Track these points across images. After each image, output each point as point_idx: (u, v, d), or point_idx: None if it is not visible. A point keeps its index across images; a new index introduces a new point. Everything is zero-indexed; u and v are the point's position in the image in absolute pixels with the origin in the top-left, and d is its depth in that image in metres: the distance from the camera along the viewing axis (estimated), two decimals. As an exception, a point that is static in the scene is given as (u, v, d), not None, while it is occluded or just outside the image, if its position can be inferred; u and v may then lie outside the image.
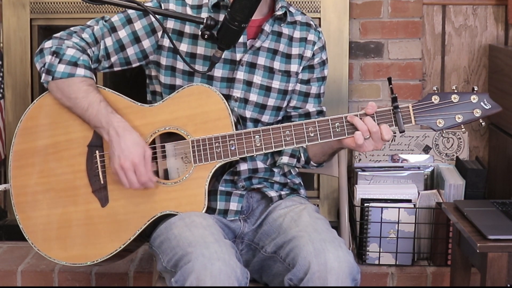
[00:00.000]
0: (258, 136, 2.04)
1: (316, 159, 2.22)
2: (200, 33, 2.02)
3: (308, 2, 3.06)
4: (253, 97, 2.16)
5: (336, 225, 2.32)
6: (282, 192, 2.21)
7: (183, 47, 2.14)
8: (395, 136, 1.98)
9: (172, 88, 2.15)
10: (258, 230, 2.15)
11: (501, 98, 2.97)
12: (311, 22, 2.25)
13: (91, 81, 2.10)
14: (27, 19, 3.09)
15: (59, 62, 2.08)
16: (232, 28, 1.96)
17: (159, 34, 2.13)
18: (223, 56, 2.09)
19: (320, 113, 2.26)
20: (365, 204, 2.82)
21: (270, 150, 2.05)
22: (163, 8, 2.12)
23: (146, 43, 2.14)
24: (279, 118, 2.24)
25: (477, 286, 2.49)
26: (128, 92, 2.17)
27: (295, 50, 2.21)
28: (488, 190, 3.02)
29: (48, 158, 2.13)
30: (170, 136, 2.10)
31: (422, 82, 3.24)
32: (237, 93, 2.15)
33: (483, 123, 2.03)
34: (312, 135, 2.03)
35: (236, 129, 2.07)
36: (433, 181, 3.03)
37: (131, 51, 2.15)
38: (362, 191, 2.87)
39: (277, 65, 2.18)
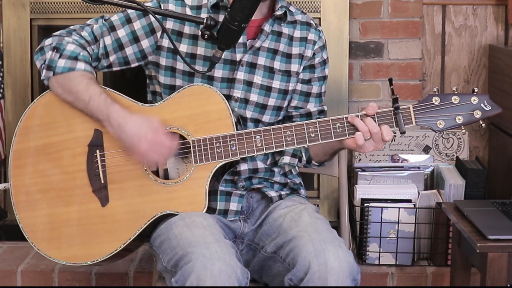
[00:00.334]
0: (259, 137, 2.04)
1: (317, 159, 2.22)
2: (200, 33, 2.02)
3: (308, 2, 3.06)
4: (254, 97, 2.16)
5: (336, 225, 2.32)
6: (282, 192, 2.21)
7: (183, 47, 2.14)
8: (395, 136, 1.98)
9: (172, 88, 2.15)
10: (258, 230, 2.15)
11: (501, 98, 2.97)
12: (311, 21, 2.25)
13: (91, 75, 2.10)
14: (27, 19, 3.09)
15: (59, 57, 2.08)
16: (232, 28, 1.96)
17: (158, 34, 2.13)
18: (223, 57, 2.09)
19: (321, 112, 2.25)
20: (365, 204, 2.82)
21: (271, 150, 2.05)
22: (162, 8, 2.12)
23: (145, 43, 2.14)
24: (280, 118, 2.24)
25: (477, 286, 2.49)
26: (128, 92, 2.17)
27: (295, 50, 2.21)
28: (488, 190, 3.02)
29: (48, 157, 2.13)
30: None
31: (422, 82, 3.24)
32: (238, 93, 2.15)
33: (483, 125, 2.03)
34: (313, 135, 2.03)
35: (237, 129, 2.07)
36: (433, 181, 3.03)
37: (129, 50, 2.15)
38: (362, 191, 2.87)
39: (277, 65, 2.18)
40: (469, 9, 3.23)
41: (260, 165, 2.18)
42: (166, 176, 2.11)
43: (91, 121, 2.10)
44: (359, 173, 2.96)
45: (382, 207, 2.79)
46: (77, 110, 2.10)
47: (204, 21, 1.98)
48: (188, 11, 2.14)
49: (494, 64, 3.15)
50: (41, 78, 2.12)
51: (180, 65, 2.14)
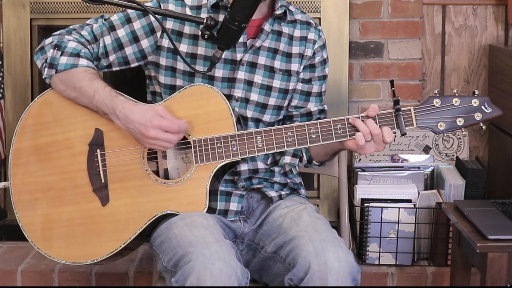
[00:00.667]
0: (260, 137, 2.04)
1: (318, 159, 2.22)
2: (200, 33, 2.02)
3: (308, 2, 3.06)
4: (254, 96, 2.16)
5: (336, 225, 2.32)
6: (282, 192, 2.21)
7: (183, 47, 2.13)
8: (395, 136, 1.99)
9: (172, 88, 2.15)
10: (258, 230, 2.15)
11: (501, 98, 2.97)
12: (311, 21, 2.25)
13: (93, 71, 2.10)
14: (27, 19, 3.09)
15: (61, 55, 2.08)
16: (232, 28, 1.96)
17: (158, 34, 2.13)
18: (223, 56, 2.09)
19: (321, 112, 2.26)
20: (365, 204, 2.82)
21: (272, 151, 2.05)
22: (162, 8, 2.12)
23: (145, 43, 2.14)
24: (280, 117, 2.24)
25: (477, 286, 2.49)
26: (128, 92, 2.17)
27: (295, 49, 2.21)
28: (488, 190, 3.02)
29: (48, 156, 2.13)
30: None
31: (422, 82, 3.24)
32: (238, 93, 2.15)
33: (483, 127, 2.04)
34: (314, 136, 2.03)
35: (237, 129, 2.07)
36: (433, 181, 3.03)
37: (129, 50, 2.15)
38: (362, 191, 2.87)
39: (277, 64, 2.18)
40: (469, 9, 3.23)
41: (260, 165, 2.18)
42: (167, 176, 2.11)
43: (92, 120, 2.10)
44: (359, 173, 2.96)
45: (382, 207, 2.79)
46: (79, 108, 2.11)
47: (204, 21, 1.98)
48: (188, 11, 2.14)
49: (494, 64, 3.15)
50: (43, 77, 2.12)
51: (180, 65, 2.14)
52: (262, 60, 2.17)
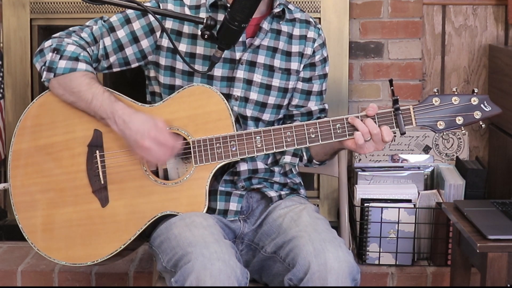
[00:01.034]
0: (259, 137, 2.04)
1: (318, 158, 2.22)
2: (199, 33, 2.02)
3: (308, 2, 3.06)
4: (253, 95, 2.16)
5: (336, 225, 2.32)
6: (282, 192, 2.21)
7: (182, 47, 2.13)
8: (395, 136, 1.99)
9: (171, 88, 2.15)
10: (258, 230, 2.15)
11: (501, 98, 2.97)
12: (311, 19, 2.25)
13: (92, 75, 2.10)
14: (27, 19, 3.09)
15: (60, 58, 2.08)
16: (232, 28, 1.96)
17: (158, 34, 2.13)
18: (222, 55, 2.09)
19: (322, 111, 2.25)
20: (365, 204, 2.82)
21: (271, 151, 2.04)
22: (161, 8, 2.12)
23: (145, 43, 2.14)
24: (280, 116, 2.24)
25: (477, 286, 2.49)
26: (128, 92, 2.17)
27: (295, 48, 2.21)
28: (488, 190, 3.02)
29: (47, 157, 2.13)
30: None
31: (422, 82, 3.24)
32: (237, 92, 2.15)
33: (483, 125, 2.03)
34: (313, 136, 2.03)
35: (236, 128, 2.06)
36: (433, 181, 3.03)
37: (129, 51, 2.15)
38: (362, 191, 2.87)
39: (277, 63, 2.18)
40: (469, 9, 3.23)
41: (260, 165, 2.18)
42: (166, 177, 2.11)
43: (91, 121, 2.10)
44: (359, 173, 2.96)
45: (382, 207, 2.79)
46: (77, 110, 2.10)
47: (204, 21, 1.98)
48: (187, 11, 2.14)
49: (494, 64, 3.15)
50: (42, 80, 2.12)
51: (179, 65, 2.13)
52: (261, 59, 2.17)
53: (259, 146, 2.04)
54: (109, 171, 2.09)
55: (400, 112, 2.00)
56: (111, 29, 2.13)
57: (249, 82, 2.16)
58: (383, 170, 2.96)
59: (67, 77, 2.08)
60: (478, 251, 2.17)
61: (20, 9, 3.08)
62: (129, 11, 2.13)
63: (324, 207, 3.16)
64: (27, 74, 3.11)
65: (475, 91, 2.01)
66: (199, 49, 2.13)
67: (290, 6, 2.22)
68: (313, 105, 2.24)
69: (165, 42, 2.13)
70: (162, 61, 2.15)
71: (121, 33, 2.13)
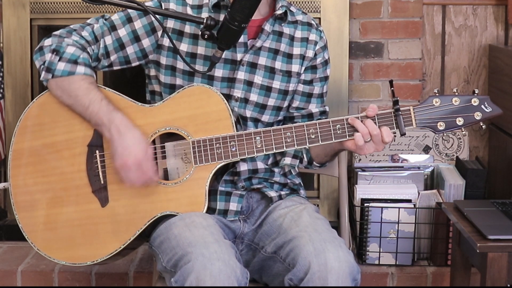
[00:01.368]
0: (259, 138, 2.04)
1: (318, 160, 2.22)
2: (200, 33, 2.02)
3: (308, 2, 3.06)
4: (254, 97, 2.16)
5: (336, 225, 2.32)
6: (282, 192, 2.21)
7: (183, 47, 2.13)
8: (395, 136, 1.99)
9: (172, 87, 2.15)
10: (258, 230, 2.15)
11: (501, 98, 2.97)
12: (312, 22, 2.25)
13: (91, 79, 2.10)
14: (27, 19, 3.09)
15: (59, 60, 2.07)
16: (232, 28, 1.96)
17: (159, 33, 2.13)
18: (224, 56, 2.09)
19: (323, 113, 2.25)
20: (365, 204, 2.82)
21: (270, 151, 2.04)
22: (163, 7, 2.12)
23: (146, 42, 2.14)
24: (280, 118, 2.23)
25: (477, 286, 2.49)
26: (128, 92, 2.17)
27: (296, 50, 2.20)
28: (488, 190, 3.02)
29: (47, 157, 2.13)
30: (171, 137, 2.10)
31: (422, 82, 3.24)
32: (238, 93, 2.15)
33: (483, 126, 2.03)
34: (313, 137, 2.03)
35: (236, 129, 2.06)
36: (433, 181, 3.03)
37: (130, 50, 2.15)
38: (362, 191, 2.87)
39: (278, 65, 2.18)
40: (469, 9, 3.23)
41: (260, 165, 2.18)
42: (166, 177, 2.11)
43: (91, 121, 2.11)
44: (359, 173, 2.96)
45: (382, 207, 2.79)
46: (80, 114, 2.11)
47: (204, 21, 1.98)
48: (189, 10, 2.13)
49: (494, 64, 3.15)
50: (40, 79, 2.11)
51: (180, 64, 2.13)
52: (262, 60, 2.17)
53: (259, 146, 2.04)
54: (109, 171, 2.09)
55: (400, 113, 2.00)
56: (112, 28, 2.13)
57: (249, 84, 2.16)
58: (383, 170, 2.96)
59: (65, 80, 2.08)
60: (478, 251, 2.17)
61: (20, 9, 3.08)
62: (131, 10, 2.13)
63: (324, 207, 3.15)
64: (27, 74, 3.11)
65: (476, 92, 2.01)
66: (200, 49, 2.13)
67: (292, 8, 2.22)
68: (313, 107, 2.24)
69: (166, 41, 2.13)
70: (163, 60, 2.15)
71: (122, 32, 2.13)
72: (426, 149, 3.11)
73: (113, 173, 2.08)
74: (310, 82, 2.24)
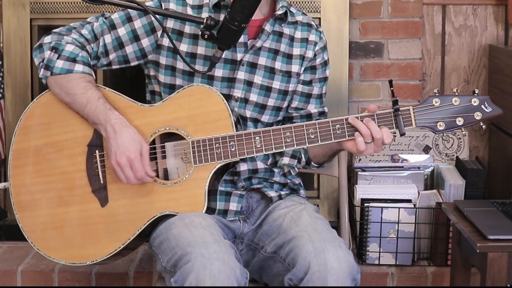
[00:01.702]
0: (258, 138, 2.04)
1: (316, 160, 2.22)
2: (200, 33, 2.02)
3: (308, 2, 3.06)
4: (253, 97, 2.16)
5: (336, 225, 2.32)
6: (282, 192, 2.21)
7: (183, 47, 2.13)
8: (395, 136, 1.99)
9: (172, 87, 2.15)
10: (258, 230, 2.15)
11: (501, 98, 2.97)
12: (312, 23, 2.25)
13: (90, 78, 2.10)
14: (27, 19, 3.09)
15: (58, 58, 2.08)
16: (232, 28, 1.96)
17: (159, 33, 2.13)
18: (224, 56, 2.09)
19: (321, 114, 2.25)
20: (365, 204, 2.81)
21: (270, 151, 2.04)
22: (163, 7, 2.12)
23: (145, 42, 2.14)
24: (279, 118, 2.24)
25: (477, 286, 2.49)
26: (127, 92, 2.17)
27: (296, 51, 2.21)
28: (488, 190, 3.02)
29: (47, 157, 2.13)
30: (170, 137, 2.10)
31: (422, 82, 3.24)
32: (238, 93, 2.15)
33: (483, 126, 2.03)
34: (312, 136, 2.03)
35: (236, 129, 2.07)
36: (433, 181, 3.03)
37: (130, 49, 2.15)
38: (362, 191, 2.87)
39: (278, 65, 2.18)
40: (469, 9, 3.23)
41: (260, 165, 2.18)
42: (166, 177, 2.11)
43: (91, 121, 2.11)
44: (359, 173, 2.96)
45: (382, 207, 2.79)
46: (77, 112, 2.11)
47: (204, 21, 1.98)
48: (189, 10, 2.13)
49: (494, 64, 3.15)
50: (39, 76, 2.12)
51: (180, 64, 2.13)
52: (262, 60, 2.17)
53: (258, 146, 2.04)
54: (108, 171, 2.09)
55: (400, 113, 2.00)
56: (112, 27, 2.13)
57: (249, 84, 2.16)
58: (383, 170, 2.96)
59: (64, 77, 2.08)
60: (478, 251, 2.17)
61: (20, 9, 3.08)
62: (131, 9, 2.13)
63: (324, 207, 3.15)
64: (27, 74, 3.11)
65: (476, 92, 2.01)
66: (200, 49, 2.13)
67: (292, 9, 2.22)
68: (312, 108, 2.24)
69: (166, 41, 2.13)
70: (163, 60, 2.15)
71: (121, 31, 2.13)
72: (426, 149, 3.11)
73: (113, 173, 2.08)
74: (309, 83, 2.24)
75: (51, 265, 2.79)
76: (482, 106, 1.99)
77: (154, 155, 2.10)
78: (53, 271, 2.79)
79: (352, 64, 3.17)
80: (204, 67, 2.12)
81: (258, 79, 2.16)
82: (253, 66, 2.16)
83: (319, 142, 2.02)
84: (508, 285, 2.20)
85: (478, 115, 1.99)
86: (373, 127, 1.98)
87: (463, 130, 2.03)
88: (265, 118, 2.19)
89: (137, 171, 2.02)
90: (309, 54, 2.22)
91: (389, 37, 3.17)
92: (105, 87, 2.14)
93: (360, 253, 2.86)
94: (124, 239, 2.07)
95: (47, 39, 2.12)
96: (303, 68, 2.22)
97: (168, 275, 1.95)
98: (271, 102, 2.19)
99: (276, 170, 2.22)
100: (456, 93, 2.01)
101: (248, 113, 2.17)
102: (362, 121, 1.99)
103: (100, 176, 2.09)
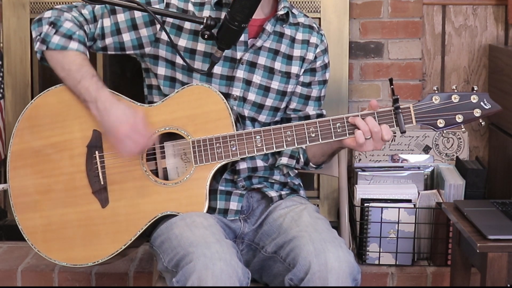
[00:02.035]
0: (259, 137, 2.04)
1: (315, 160, 2.22)
2: (199, 32, 2.02)
3: (308, 2, 3.06)
4: (252, 96, 2.16)
5: (336, 225, 2.32)
6: (282, 192, 2.21)
7: (182, 42, 2.13)
8: (395, 136, 1.99)
9: (172, 80, 2.15)
10: (259, 230, 2.15)
11: (501, 98, 2.97)
12: (314, 25, 2.25)
13: (84, 56, 2.11)
14: (27, 19, 3.09)
15: (55, 33, 2.08)
16: (232, 28, 1.96)
17: (158, 27, 2.12)
18: (223, 54, 2.09)
19: (320, 116, 2.25)
20: (365, 204, 2.82)
21: (271, 150, 2.05)
22: (165, 2, 2.11)
23: (143, 32, 2.13)
24: (277, 118, 2.23)
25: (477, 286, 2.49)
26: (127, 90, 2.18)
27: (296, 52, 2.20)
28: (488, 190, 3.02)
29: (47, 158, 2.12)
30: (170, 136, 2.10)
31: (422, 82, 3.24)
32: (237, 91, 2.15)
33: (483, 123, 2.03)
34: (313, 135, 2.03)
35: (236, 127, 2.07)
36: (433, 181, 3.03)
37: (127, 37, 2.14)
38: (362, 191, 2.87)
39: (278, 65, 2.18)
40: (469, 9, 3.23)
41: (260, 163, 2.18)
42: (166, 177, 2.11)
43: (90, 121, 2.10)
44: (359, 173, 2.96)
45: (382, 207, 2.79)
46: (76, 109, 2.11)
47: (204, 21, 1.98)
48: (191, 7, 2.13)
49: (494, 64, 3.15)
50: (34, 49, 2.12)
51: (179, 59, 2.13)
52: (262, 60, 2.17)
53: (259, 145, 2.04)
54: (108, 171, 2.09)
55: (400, 111, 2.00)
56: (112, 11, 2.13)
57: (248, 83, 2.16)
58: (383, 170, 2.96)
59: (59, 53, 2.09)
60: (478, 251, 2.17)
61: (20, 9, 3.08)
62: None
63: (324, 207, 3.16)
64: (27, 74, 3.11)
65: (475, 89, 2.01)
66: (200, 46, 2.13)
67: (294, 11, 2.22)
68: (311, 110, 2.24)
69: (165, 35, 2.13)
70: (162, 54, 2.14)
71: (121, 18, 2.12)
72: (426, 149, 3.11)
73: (113, 173, 2.08)
74: (308, 85, 2.24)
75: (51, 265, 2.78)
76: (482, 103, 2.00)
77: (154, 155, 2.10)
78: (53, 271, 2.79)
79: (352, 64, 3.17)
80: (204, 64, 2.12)
81: (257, 78, 2.16)
82: (252, 65, 2.16)
83: (320, 140, 2.02)
84: (508, 285, 2.20)
85: (477, 112, 2.00)
86: (371, 122, 1.98)
87: (462, 127, 2.03)
88: (262, 117, 2.19)
89: (139, 138, 2.01)
90: (310, 56, 2.22)
91: (389, 37, 3.17)
92: (95, 72, 2.13)
93: (360, 253, 2.86)
94: (126, 240, 2.07)
95: (47, 14, 2.12)
96: (302, 70, 2.22)
97: (169, 275, 1.95)
98: (269, 102, 2.19)
99: (276, 170, 2.22)
100: (456, 91, 2.01)
101: (246, 112, 2.17)
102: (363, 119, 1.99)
103: (100, 177, 2.09)
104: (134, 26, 2.13)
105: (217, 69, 2.13)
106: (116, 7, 2.12)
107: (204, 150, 2.05)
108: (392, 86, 2.03)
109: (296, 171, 2.30)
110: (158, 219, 2.07)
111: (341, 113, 3.02)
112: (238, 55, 2.14)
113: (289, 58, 2.20)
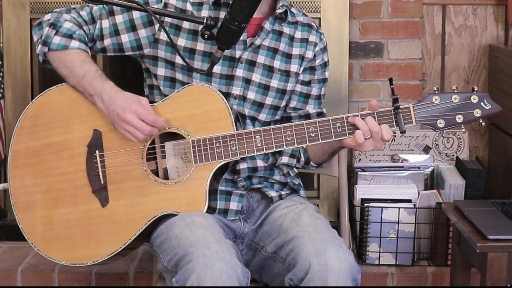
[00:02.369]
0: (259, 136, 2.04)
1: (316, 159, 2.22)
2: (200, 32, 2.02)
3: (308, 2, 3.06)
4: (251, 95, 2.16)
5: (336, 225, 2.32)
6: (283, 192, 2.21)
7: (181, 42, 2.13)
8: (395, 136, 1.99)
9: (172, 81, 2.15)
10: (258, 230, 2.15)
11: (501, 98, 2.97)
12: (313, 24, 2.26)
13: (86, 53, 2.13)
14: (27, 19, 3.09)
15: (55, 34, 2.10)
16: (232, 28, 1.96)
17: (156, 27, 2.13)
18: (222, 55, 2.09)
19: (320, 114, 2.25)
20: (365, 204, 2.81)
21: (271, 150, 2.05)
22: (163, 2, 2.12)
23: (142, 33, 2.14)
24: (277, 117, 2.23)
25: (477, 286, 2.49)
26: (127, 90, 2.16)
27: (295, 50, 2.21)
28: (488, 190, 3.02)
29: (47, 158, 2.13)
30: (170, 136, 2.10)
31: (422, 82, 3.24)
32: (236, 90, 2.15)
33: (483, 123, 2.03)
34: (313, 135, 2.03)
35: (236, 127, 2.07)
36: (433, 181, 3.03)
37: (125, 38, 2.14)
38: (362, 191, 2.87)
39: (277, 64, 2.18)
40: (469, 9, 3.23)
41: (260, 163, 2.18)
42: (166, 177, 2.11)
43: (90, 121, 2.11)
44: (359, 173, 2.96)
45: (382, 207, 2.79)
46: (77, 109, 2.12)
47: (204, 21, 1.98)
48: (189, 7, 2.13)
49: (494, 64, 3.15)
50: (36, 52, 2.14)
51: (179, 59, 2.13)
52: (261, 59, 2.17)
53: (259, 145, 2.04)
54: (109, 171, 2.09)
55: (400, 110, 2.00)
56: (111, 13, 2.14)
57: (247, 81, 2.16)
58: (383, 170, 2.96)
59: (62, 52, 2.11)
60: (478, 251, 2.17)
61: (20, 9, 3.08)
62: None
63: (324, 207, 3.16)
64: (27, 74, 3.11)
65: (475, 89, 2.01)
66: (199, 45, 2.13)
67: (293, 10, 2.22)
68: (311, 109, 2.24)
69: (164, 35, 2.13)
70: (162, 54, 2.15)
71: (119, 19, 2.13)
72: (426, 149, 3.11)
73: (113, 173, 2.08)
74: (308, 83, 2.24)
75: (51, 265, 2.79)
76: (482, 103, 2.00)
77: (154, 154, 2.10)
78: (53, 271, 2.79)
79: (352, 64, 3.17)
80: (203, 63, 2.12)
81: (256, 77, 2.16)
82: (251, 64, 2.16)
83: (320, 140, 2.02)
84: (508, 285, 2.20)
85: (477, 112, 2.00)
86: (371, 122, 1.98)
87: (463, 127, 2.03)
88: (262, 116, 2.19)
89: (146, 117, 2.01)
90: (309, 54, 2.22)
91: (389, 37, 3.17)
92: (98, 67, 2.14)
93: (360, 253, 2.86)
94: (125, 239, 2.07)
95: (47, 17, 2.15)
96: (302, 68, 2.22)
97: (169, 275, 1.95)
98: (268, 100, 2.19)
99: (276, 169, 2.22)
100: (456, 91, 2.01)
101: (246, 111, 2.17)
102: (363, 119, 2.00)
103: (101, 176, 2.09)
104: (132, 27, 2.13)
105: (217, 69, 2.13)
106: (114, 9, 2.13)
107: (204, 149, 2.05)
108: (392, 86, 2.03)
109: (296, 170, 2.30)
110: (158, 218, 2.07)
111: (341, 113, 3.03)
112: (237, 54, 2.14)
113: (288, 56, 2.20)
